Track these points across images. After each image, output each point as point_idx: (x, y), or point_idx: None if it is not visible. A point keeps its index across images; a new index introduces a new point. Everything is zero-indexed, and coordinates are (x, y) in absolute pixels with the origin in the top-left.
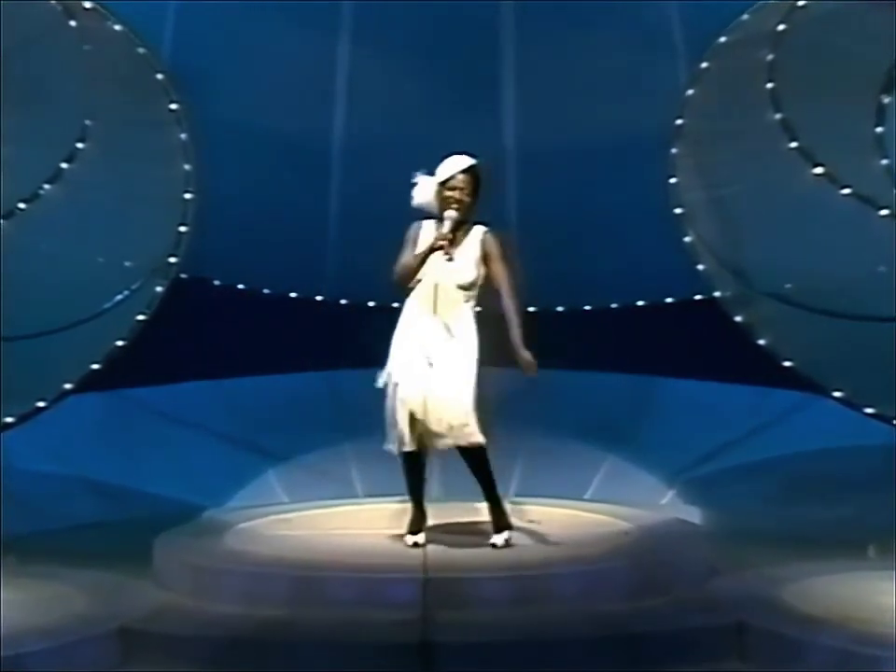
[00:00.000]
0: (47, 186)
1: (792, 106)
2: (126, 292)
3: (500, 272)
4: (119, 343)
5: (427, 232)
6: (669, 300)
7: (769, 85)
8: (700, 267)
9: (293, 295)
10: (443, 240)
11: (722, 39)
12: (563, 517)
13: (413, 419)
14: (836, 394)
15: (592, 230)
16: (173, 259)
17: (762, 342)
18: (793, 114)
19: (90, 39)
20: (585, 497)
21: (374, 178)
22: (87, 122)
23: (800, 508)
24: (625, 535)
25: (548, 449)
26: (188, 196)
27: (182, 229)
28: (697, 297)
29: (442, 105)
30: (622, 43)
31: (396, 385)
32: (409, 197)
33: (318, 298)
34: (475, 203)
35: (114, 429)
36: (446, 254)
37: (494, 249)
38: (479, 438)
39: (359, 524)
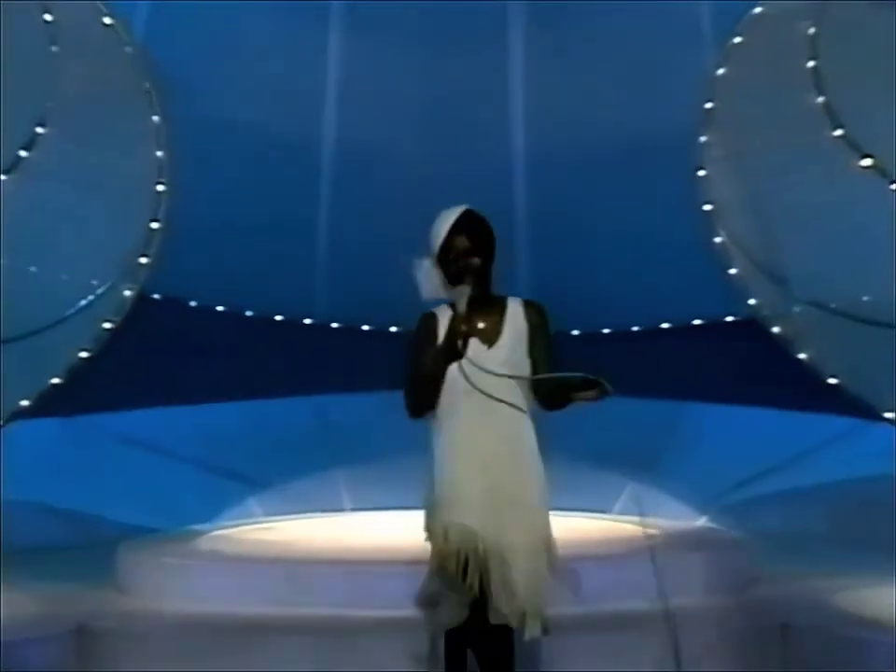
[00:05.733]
0: (2, 177)
1: (837, 89)
2: (91, 297)
3: (541, 352)
4: (83, 354)
5: (446, 322)
6: (697, 321)
7: (810, 64)
8: (732, 271)
9: (279, 318)
10: (462, 324)
11: (757, 10)
12: (590, 525)
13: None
14: (888, 415)
15: (609, 244)
16: (143, 260)
17: (802, 356)
18: (838, 97)
19: (52, 9)
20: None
21: (370, 188)
22: (48, 104)
23: (845, 531)
24: (650, 537)
25: (571, 475)
26: (160, 188)
27: (154, 225)
28: (728, 318)
29: (445, 104)
30: (640, 28)
31: (451, 529)
32: (408, 209)
33: (307, 321)
34: (491, 264)
35: (83, 458)
36: (484, 342)
37: (540, 323)
38: (538, 627)
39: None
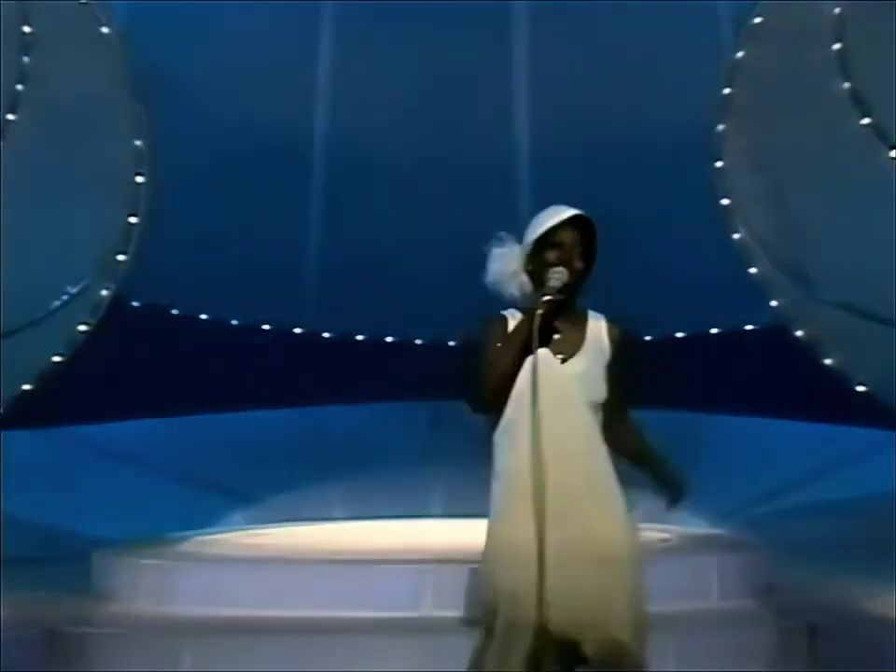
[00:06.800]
0: None
1: (865, 73)
2: (65, 297)
3: (617, 384)
4: (57, 358)
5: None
6: (714, 330)
7: (836, 46)
8: (752, 270)
9: (266, 327)
10: (553, 295)
11: None
12: None
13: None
14: None
15: (618, 247)
16: (121, 257)
17: (828, 362)
18: (866, 83)
19: None
20: None
21: (365, 189)
22: (18, 87)
23: (870, 543)
24: (664, 541)
25: None
26: (139, 179)
27: (133, 220)
28: (748, 326)
29: (443, 98)
30: (652, 12)
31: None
32: (404, 211)
33: (297, 330)
34: (584, 279)
35: (60, 472)
36: (558, 353)
37: (623, 349)
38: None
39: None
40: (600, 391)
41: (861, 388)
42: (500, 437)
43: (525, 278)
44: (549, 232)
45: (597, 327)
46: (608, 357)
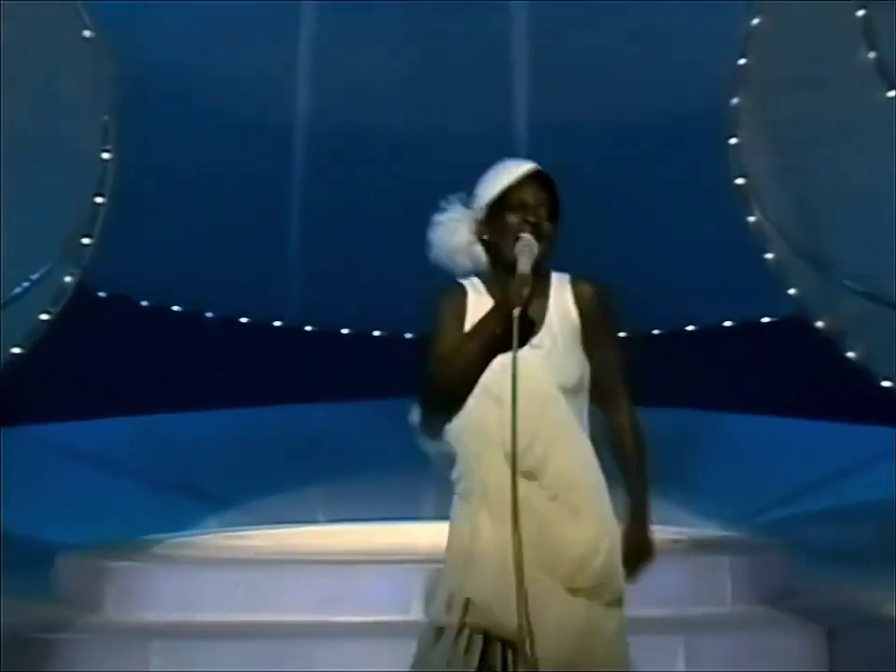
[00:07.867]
0: None
1: (892, 42)
2: (25, 283)
3: (609, 354)
4: (16, 350)
5: (478, 303)
6: (728, 323)
7: (860, 13)
8: (768, 256)
9: (244, 320)
10: (525, 287)
11: None
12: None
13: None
14: None
15: (625, 235)
16: (86, 240)
17: (851, 355)
18: (893, 52)
19: None
20: None
21: (349, 175)
22: None
23: (885, 548)
24: (675, 542)
25: None
26: (105, 156)
27: (98, 200)
28: (764, 319)
29: (435, 75)
30: None
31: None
32: (391, 198)
33: (277, 324)
34: (552, 243)
35: (21, 473)
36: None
37: (601, 312)
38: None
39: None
40: (572, 372)
41: (885, 383)
42: (460, 436)
43: (478, 249)
44: (506, 193)
45: (562, 291)
46: (576, 326)
